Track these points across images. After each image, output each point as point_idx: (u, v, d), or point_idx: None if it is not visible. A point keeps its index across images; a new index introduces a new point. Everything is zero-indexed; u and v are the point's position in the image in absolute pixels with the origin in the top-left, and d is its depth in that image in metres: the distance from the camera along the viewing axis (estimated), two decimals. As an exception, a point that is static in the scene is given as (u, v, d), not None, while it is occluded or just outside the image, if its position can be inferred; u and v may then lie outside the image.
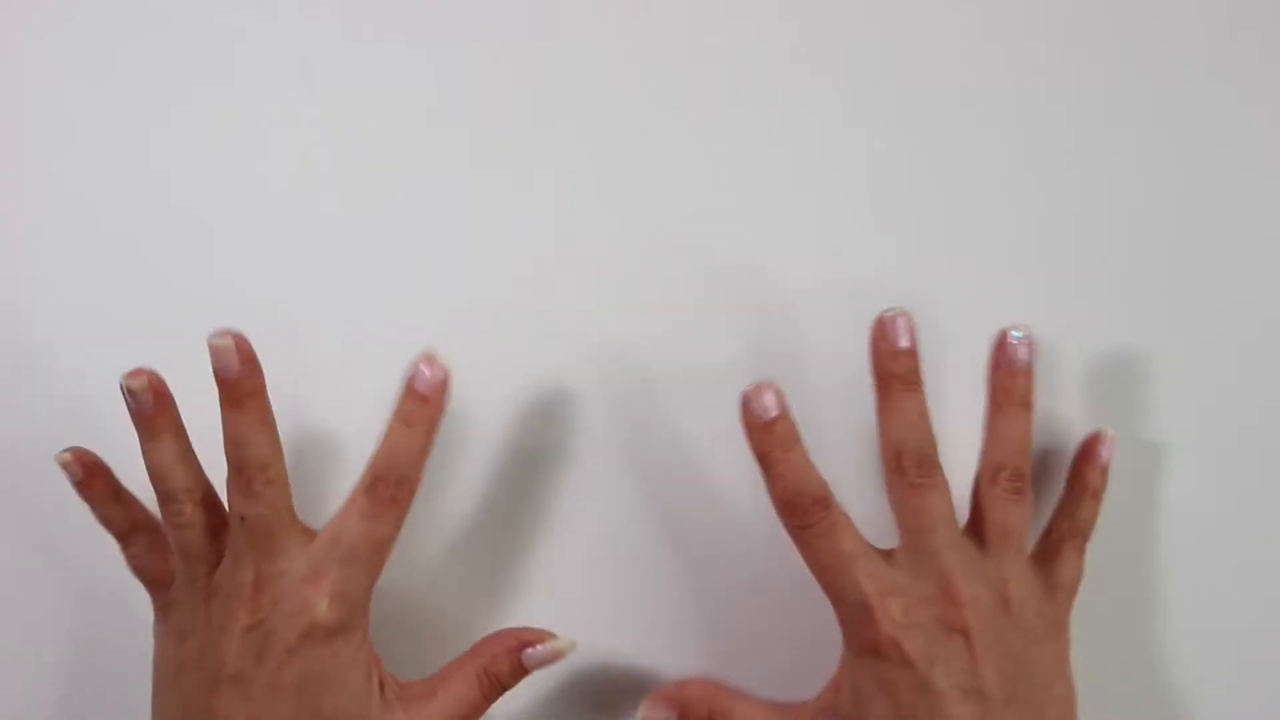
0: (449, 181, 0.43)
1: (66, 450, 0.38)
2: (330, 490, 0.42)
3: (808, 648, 0.42)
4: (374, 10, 0.43)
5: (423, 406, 0.36)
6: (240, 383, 0.36)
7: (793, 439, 0.36)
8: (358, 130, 0.43)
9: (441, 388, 0.36)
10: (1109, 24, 0.42)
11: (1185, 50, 0.43)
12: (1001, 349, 0.37)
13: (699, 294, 0.42)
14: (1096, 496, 0.38)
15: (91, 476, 0.38)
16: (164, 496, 0.37)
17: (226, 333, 0.36)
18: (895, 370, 0.36)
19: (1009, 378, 0.37)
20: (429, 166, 0.43)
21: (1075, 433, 0.41)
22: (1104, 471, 0.39)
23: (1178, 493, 0.42)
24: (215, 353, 0.36)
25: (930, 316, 0.40)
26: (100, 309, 0.42)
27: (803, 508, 0.35)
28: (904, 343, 0.36)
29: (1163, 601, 0.41)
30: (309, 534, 0.37)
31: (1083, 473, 0.39)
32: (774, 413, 0.36)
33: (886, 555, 0.36)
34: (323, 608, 0.35)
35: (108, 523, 0.38)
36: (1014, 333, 0.37)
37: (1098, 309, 0.42)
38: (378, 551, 0.36)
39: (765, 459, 0.36)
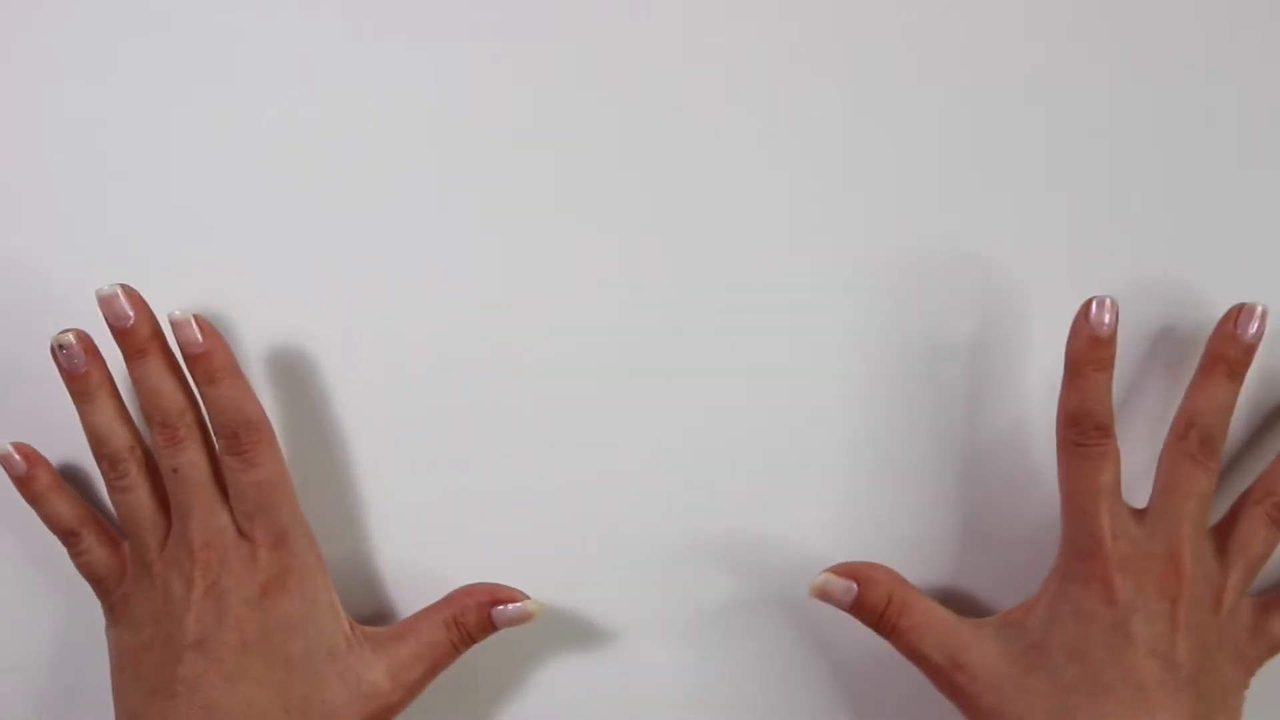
0: (449, 181, 0.43)
1: (10, 444, 0.39)
2: (328, 491, 0.42)
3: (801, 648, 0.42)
4: (374, 10, 0.42)
5: (205, 360, 0.37)
6: (136, 329, 0.37)
7: (1109, 364, 0.36)
8: (358, 130, 0.43)
9: (210, 335, 0.37)
10: (1109, 24, 0.42)
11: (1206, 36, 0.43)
12: (1237, 322, 0.37)
13: (700, 293, 0.42)
14: None
15: (33, 469, 0.38)
16: (108, 460, 0.37)
17: (114, 284, 0.37)
18: (1229, 355, 0.37)
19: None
20: (429, 167, 0.43)
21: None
22: None
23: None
24: (105, 303, 0.37)
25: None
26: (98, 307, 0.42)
27: (1086, 427, 0.36)
28: (1249, 337, 0.37)
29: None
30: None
31: None
32: (1107, 332, 0.36)
33: (1138, 510, 0.37)
34: (269, 561, 0.36)
35: (54, 519, 0.39)
36: (1255, 310, 0.37)
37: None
38: (275, 490, 0.37)
39: (1076, 368, 0.37)
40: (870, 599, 0.37)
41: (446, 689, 0.40)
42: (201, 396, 0.37)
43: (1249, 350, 0.37)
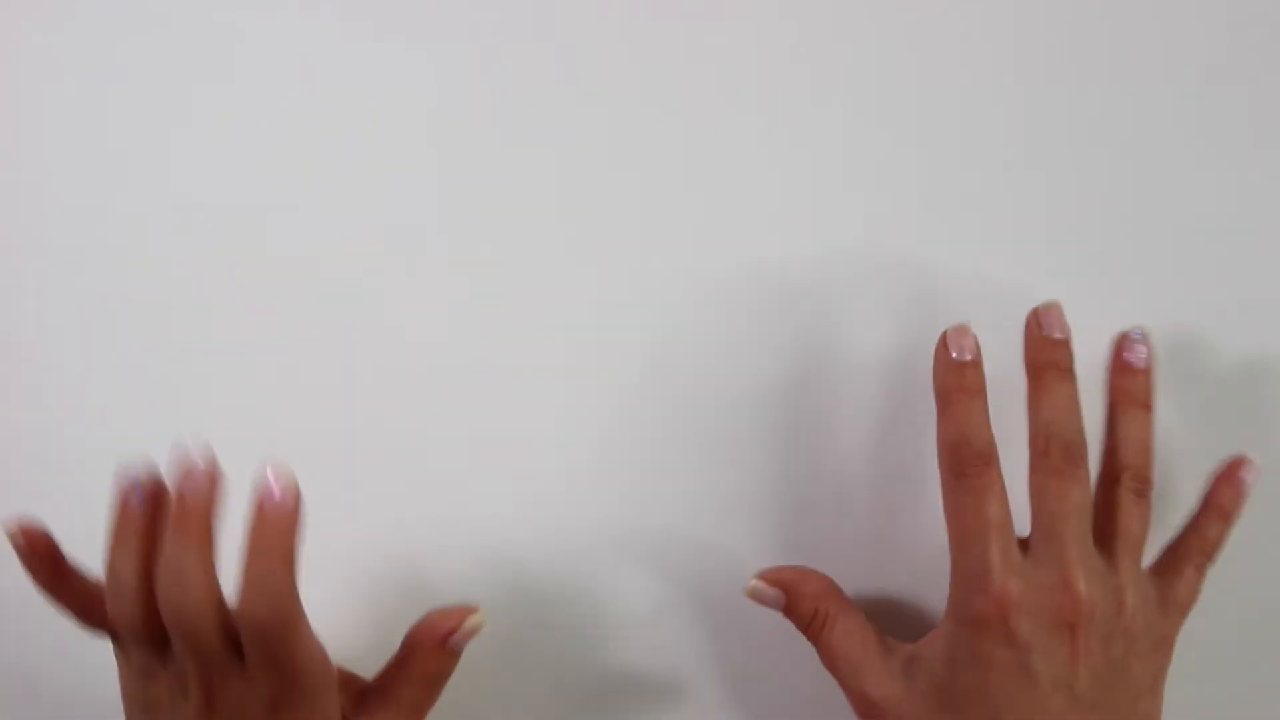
0: (449, 181, 0.43)
1: (13, 521, 0.35)
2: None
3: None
4: (374, 10, 0.43)
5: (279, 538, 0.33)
6: (193, 512, 0.33)
7: (979, 389, 0.36)
8: (357, 130, 0.43)
9: (295, 507, 0.33)
10: (1109, 24, 0.42)
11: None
12: (1121, 350, 0.38)
13: (702, 293, 0.42)
14: (1227, 519, 0.38)
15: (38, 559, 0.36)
16: (114, 597, 0.35)
17: (195, 467, 0.33)
18: (1051, 358, 0.37)
19: (1129, 378, 0.37)
20: (429, 166, 0.43)
21: (1215, 449, 0.40)
22: (1240, 496, 0.38)
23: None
24: (182, 479, 0.33)
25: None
26: (99, 307, 0.42)
27: (965, 457, 0.36)
28: (1058, 333, 0.37)
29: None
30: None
31: (1219, 493, 0.38)
32: (969, 356, 0.36)
33: (1021, 540, 0.36)
34: (271, 685, 0.34)
35: (56, 597, 0.36)
36: (1133, 332, 0.37)
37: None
38: (285, 628, 0.33)
39: (946, 398, 0.36)
40: (797, 610, 0.38)
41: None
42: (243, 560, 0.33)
43: (1064, 345, 0.37)
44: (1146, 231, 0.42)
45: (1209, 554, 0.38)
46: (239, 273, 0.43)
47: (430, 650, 0.37)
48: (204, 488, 0.33)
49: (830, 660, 0.38)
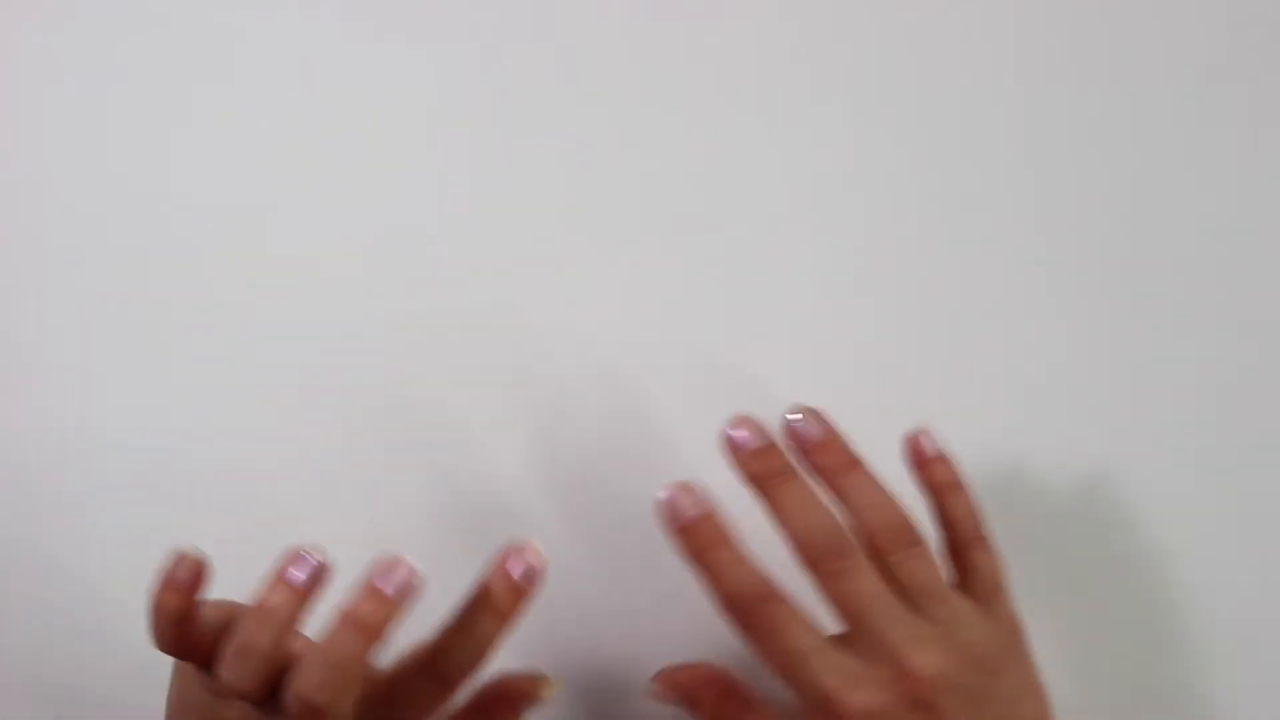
0: (448, 181, 0.43)
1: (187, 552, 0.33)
2: (333, 493, 0.42)
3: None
4: (374, 10, 0.43)
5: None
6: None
7: (720, 537, 0.34)
8: (357, 130, 0.43)
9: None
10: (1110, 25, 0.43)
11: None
12: (789, 432, 0.35)
13: (700, 295, 0.42)
14: (959, 488, 0.37)
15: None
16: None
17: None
18: (762, 469, 0.35)
19: (817, 454, 0.35)
20: (429, 166, 0.43)
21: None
22: (942, 462, 0.37)
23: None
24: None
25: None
26: (98, 308, 0.42)
27: (747, 608, 0.34)
28: (754, 443, 0.35)
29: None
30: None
31: (926, 475, 0.37)
32: (693, 513, 0.34)
33: (839, 640, 0.34)
34: None
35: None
36: (792, 412, 0.35)
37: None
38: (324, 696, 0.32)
39: (695, 562, 0.34)
40: (697, 714, 0.36)
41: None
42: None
43: (765, 451, 0.35)
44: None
45: (974, 526, 0.37)
46: (239, 272, 0.42)
47: (500, 711, 0.35)
48: (391, 604, 0.32)
49: None
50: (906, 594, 0.35)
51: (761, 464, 0.35)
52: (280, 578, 0.33)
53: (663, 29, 0.42)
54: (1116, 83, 0.42)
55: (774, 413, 0.41)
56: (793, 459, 0.35)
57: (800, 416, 0.35)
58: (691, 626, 0.42)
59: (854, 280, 0.42)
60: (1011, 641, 0.36)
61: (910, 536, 0.35)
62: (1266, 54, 0.42)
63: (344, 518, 0.42)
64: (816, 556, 0.34)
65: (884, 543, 0.35)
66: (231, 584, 0.34)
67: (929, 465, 0.37)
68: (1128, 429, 0.42)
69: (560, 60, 0.42)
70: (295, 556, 0.33)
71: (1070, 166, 0.42)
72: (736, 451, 0.35)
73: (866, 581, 0.34)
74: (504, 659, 0.34)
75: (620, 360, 0.42)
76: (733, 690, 0.37)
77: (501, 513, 0.42)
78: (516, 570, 0.33)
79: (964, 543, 0.37)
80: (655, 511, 0.34)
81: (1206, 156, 0.42)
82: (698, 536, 0.34)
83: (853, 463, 0.35)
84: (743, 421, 0.35)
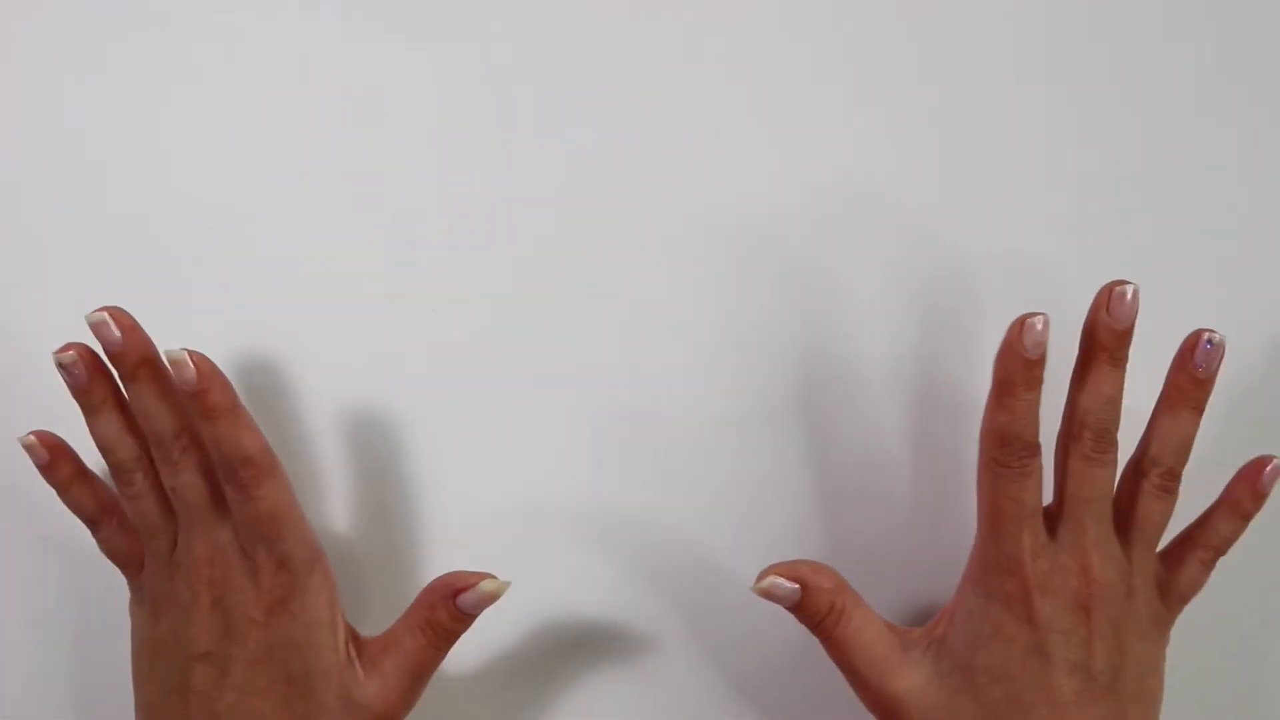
0: (449, 180, 0.43)
1: (30, 433, 0.38)
2: (337, 487, 0.42)
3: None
4: (374, 10, 0.43)
5: (201, 399, 0.36)
6: (125, 355, 0.37)
7: (1038, 383, 0.36)
8: (358, 129, 0.43)
9: (202, 376, 0.36)
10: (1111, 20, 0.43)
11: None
12: (1190, 350, 0.37)
13: (702, 290, 0.42)
14: (1244, 517, 0.38)
15: (57, 459, 0.38)
16: (114, 469, 0.38)
17: (102, 308, 0.37)
18: (1107, 344, 0.36)
19: (1190, 381, 0.37)
20: (429, 165, 0.43)
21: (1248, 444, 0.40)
22: (1258, 496, 0.38)
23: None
24: (94, 329, 0.37)
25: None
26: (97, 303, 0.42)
27: (1015, 448, 0.36)
28: (1125, 324, 0.36)
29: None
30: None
31: (1236, 490, 0.38)
32: (1037, 354, 0.36)
33: (1045, 509, 0.37)
34: (271, 586, 0.37)
35: (77, 508, 0.39)
36: (1208, 337, 0.37)
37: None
38: (276, 522, 0.37)
39: (1005, 387, 0.36)
40: (812, 604, 0.37)
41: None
42: (200, 430, 0.37)
43: (1125, 336, 0.36)
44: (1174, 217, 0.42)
45: (1217, 548, 0.38)
46: (239, 271, 0.42)
47: (439, 601, 0.37)
48: (125, 338, 0.36)
49: (845, 656, 0.37)
50: (1129, 522, 0.37)
51: (1112, 339, 0.36)
52: (73, 388, 0.37)
53: (664, 29, 0.42)
54: (1117, 82, 0.42)
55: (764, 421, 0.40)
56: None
57: (1214, 345, 0.37)
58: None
59: (852, 281, 0.42)
60: (1159, 630, 0.38)
61: (1176, 486, 0.37)
62: (1266, 52, 0.42)
63: (351, 519, 0.42)
64: (1085, 436, 0.36)
65: (1155, 475, 0.37)
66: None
67: (1250, 491, 0.38)
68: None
69: (560, 60, 0.43)
70: (63, 369, 0.37)
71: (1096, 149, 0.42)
72: (1103, 316, 0.36)
73: (1107, 479, 0.36)
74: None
75: (626, 354, 0.42)
76: (845, 583, 0.38)
77: (505, 509, 0.42)
78: (185, 382, 0.36)
79: (1195, 546, 0.38)
80: (1017, 333, 0.35)
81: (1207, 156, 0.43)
82: (1026, 372, 0.36)
83: (1200, 408, 0.37)
84: (1126, 298, 0.36)
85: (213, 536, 0.37)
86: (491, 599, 0.37)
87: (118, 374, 0.37)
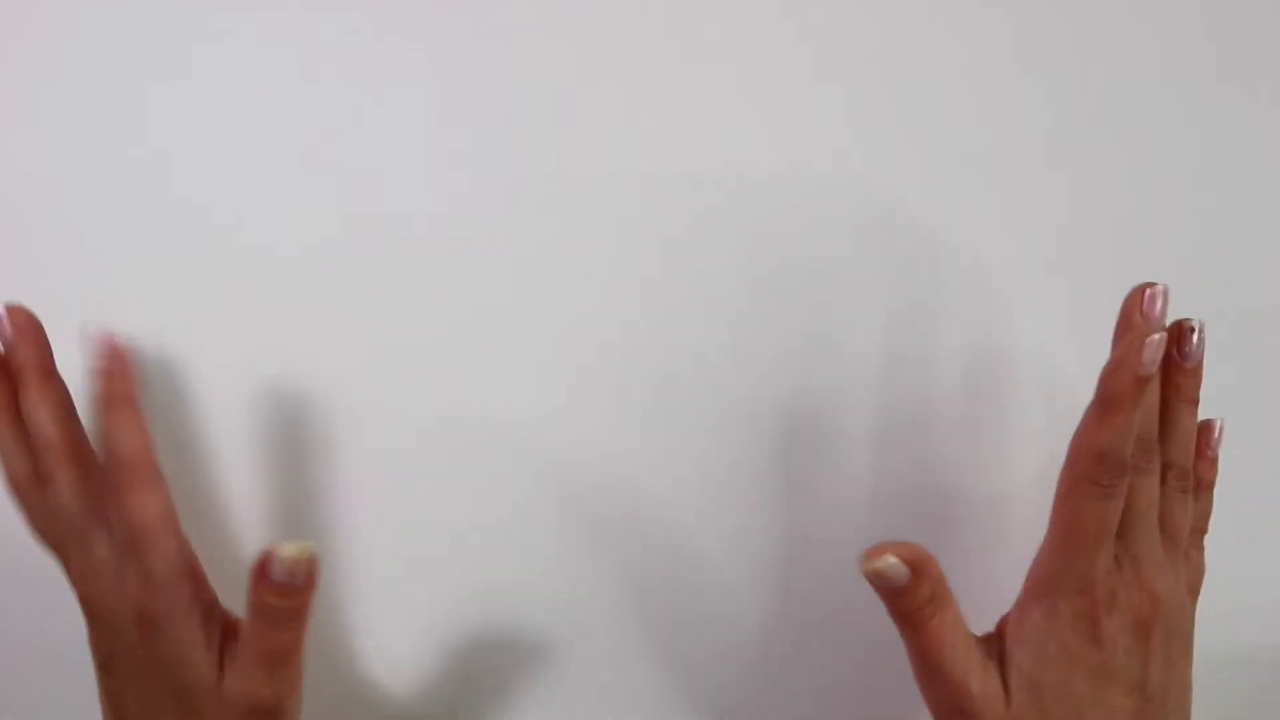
0: (450, 179, 0.43)
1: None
2: (340, 482, 0.43)
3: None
4: (374, 10, 0.42)
5: (106, 380, 0.37)
6: (11, 358, 0.37)
7: (1143, 399, 0.35)
8: (358, 128, 0.43)
9: (114, 356, 0.37)
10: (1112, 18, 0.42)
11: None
12: (1178, 342, 0.37)
13: (701, 288, 0.43)
14: (1210, 488, 0.39)
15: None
16: (9, 482, 0.38)
17: (3, 305, 0.37)
18: (1150, 359, 0.35)
19: (1180, 373, 0.37)
20: (430, 163, 0.43)
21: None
22: (1215, 463, 0.39)
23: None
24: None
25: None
26: (102, 307, 0.42)
27: (1109, 467, 0.35)
28: (1150, 357, 0.35)
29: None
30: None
31: (1195, 467, 0.38)
32: (1150, 371, 0.35)
33: None
34: (140, 601, 0.36)
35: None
36: (1189, 325, 0.37)
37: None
38: (145, 532, 0.36)
39: (1113, 402, 0.35)
40: (915, 592, 0.35)
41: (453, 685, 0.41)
42: (95, 417, 0.37)
43: (1161, 346, 0.35)
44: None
45: (1203, 529, 0.39)
46: (240, 272, 0.42)
47: (253, 583, 0.36)
48: (22, 342, 0.37)
49: (933, 650, 0.35)
50: (1163, 522, 0.37)
51: (1152, 354, 0.35)
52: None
53: (663, 29, 0.42)
54: (1118, 81, 0.42)
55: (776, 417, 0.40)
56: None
57: (1195, 331, 0.37)
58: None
59: (854, 281, 0.42)
60: (1190, 639, 0.37)
61: (1189, 484, 0.37)
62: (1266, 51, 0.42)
63: (355, 518, 0.43)
64: (1138, 448, 0.36)
65: (1173, 477, 0.37)
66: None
67: (1206, 462, 0.39)
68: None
69: (560, 59, 0.42)
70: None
71: (1067, 173, 0.42)
72: (1131, 364, 0.35)
73: (1153, 488, 0.36)
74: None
75: (629, 352, 0.42)
76: (944, 579, 0.36)
77: (512, 502, 0.43)
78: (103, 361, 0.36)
79: (1190, 538, 0.38)
80: (1134, 349, 0.34)
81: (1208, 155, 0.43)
82: (1137, 389, 0.35)
83: (1195, 400, 0.37)
84: (1156, 341, 0.35)
85: (90, 553, 0.37)
86: (296, 563, 0.35)
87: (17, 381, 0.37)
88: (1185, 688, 0.37)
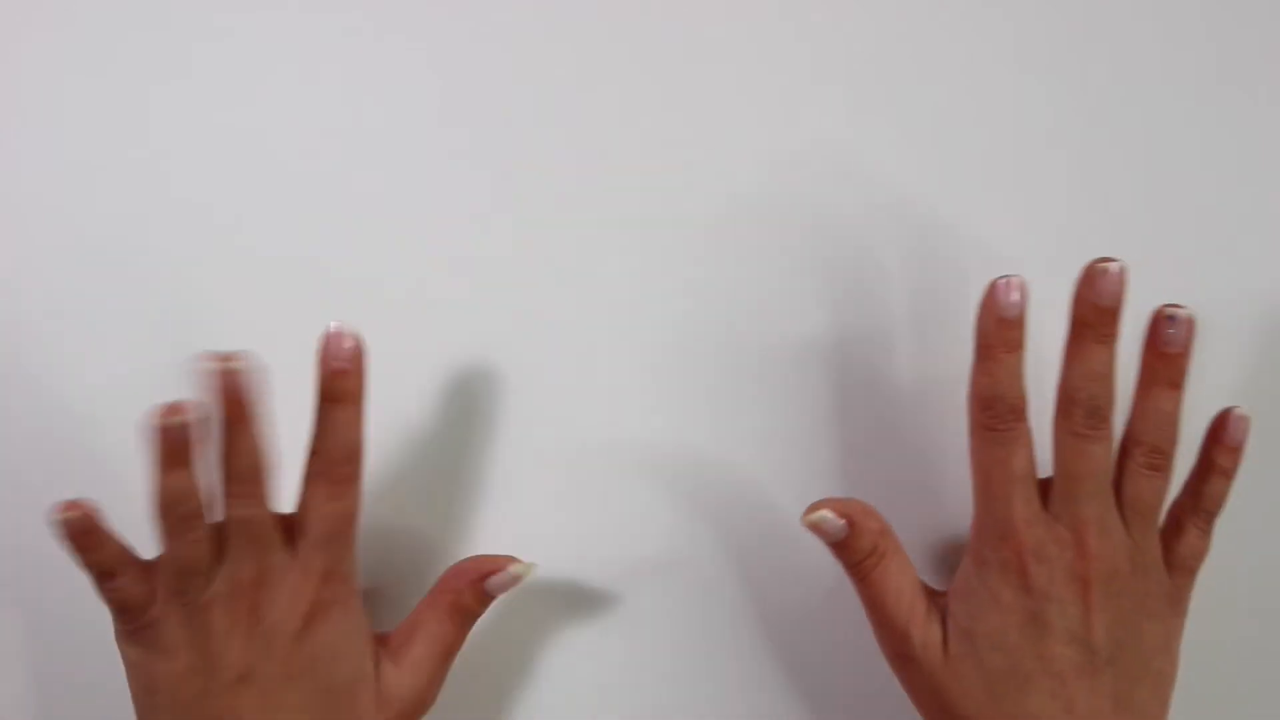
0: (451, 179, 0.43)
1: (66, 506, 0.36)
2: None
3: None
4: (374, 10, 0.42)
5: (344, 379, 0.37)
6: (241, 396, 0.35)
7: (1018, 345, 0.37)
8: (358, 128, 0.43)
9: (356, 356, 0.37)
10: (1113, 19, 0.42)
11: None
12: (1157, 327, 0.37)
13: (699, 288, 0.43)
14: (1224, 475, 0.38)
15: (90, 529, 0.36)
16: (182, 520, 0.36)
17: (229, 356, 0.35)
18: (1091, 320, 0.36)
19: (1158, 359, 0.37)
20: (428, 165, 0.43)
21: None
22: (1232, 451, 0.38)
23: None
24: (207, 376, 0.35)
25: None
26: (104, 308, 0.43)
27: (999, 412, 0.36)
28: (1109, 301, 0.36)
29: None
30: (285, 523, 0.37)
31: (1209, 450, 0.39)
32: (1014, 314, 0.36)
33: (1044, 482, 0.37)
34: (318, 592, 0.36)
35: (96, 565, 0.36)
36: (1170, 312, 0.37)
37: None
38: (349, 525, 0.37)
39: (987, 350, 0.37)
40: (856, 544, 0.37)
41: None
42: (318, 413, 0.37)
43: (1111, 313, 0.37)
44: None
45: (1209, 511, 0.38)
46: (242, 273, 0.43)
47: (466, 585, 0.38)
48: (239, 383, 0.36)
49: (877, 599, 0.38)
50: (1123, 500, 0.37)
51: (1095, 315, 0.36)
52: (162, 435, 0.35)
53: (663, 29, 0.42)
54: (1118, 80, 0.42)
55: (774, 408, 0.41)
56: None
57: (1179, 319, 0.37)
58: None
59: (854, 280, 0.42)
60: (1171, 608, 0.37)
61: (1165, 463, 0.37)
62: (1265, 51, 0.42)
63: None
64: (1075, 413, 0.36)
65: (1139, 454, 0.37)
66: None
67: (1222, 448, 0.38)
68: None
69: (560, 59, 0.42)
70: (163, 417, 0.35)
71: (1057, 161, 0.42)
72: (1088, 292, 0.36)
73: (1101, 455, 0.37)
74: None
75: (624, 351, 0.42)
76: (890, 530, 0.38)
77: (534, 494, 0.43)
78: (334, 357, 0.36)
79: (1186, 513, 0.38)
80: (990, 296, 0.36)
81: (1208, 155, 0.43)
82: (1005, 331, 0.36)
83: (1177, 384, 0.37)
84: (1110, 275, 0.36)
85: (266, 559, 0.36)
86: (517, 582, 0.38)
87: (223, 415, 0.36)
88: (1157, 651, 0.36)
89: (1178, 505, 0.39)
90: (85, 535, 0.36)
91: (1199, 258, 0.42)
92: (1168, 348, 0.37)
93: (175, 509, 0.36)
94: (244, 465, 0.36)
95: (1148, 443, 0.37)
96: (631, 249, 0.43)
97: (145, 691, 0.37)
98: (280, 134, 0.43)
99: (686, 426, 0.42)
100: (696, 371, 0.42)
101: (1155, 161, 0.42)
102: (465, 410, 0.43)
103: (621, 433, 0.42)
